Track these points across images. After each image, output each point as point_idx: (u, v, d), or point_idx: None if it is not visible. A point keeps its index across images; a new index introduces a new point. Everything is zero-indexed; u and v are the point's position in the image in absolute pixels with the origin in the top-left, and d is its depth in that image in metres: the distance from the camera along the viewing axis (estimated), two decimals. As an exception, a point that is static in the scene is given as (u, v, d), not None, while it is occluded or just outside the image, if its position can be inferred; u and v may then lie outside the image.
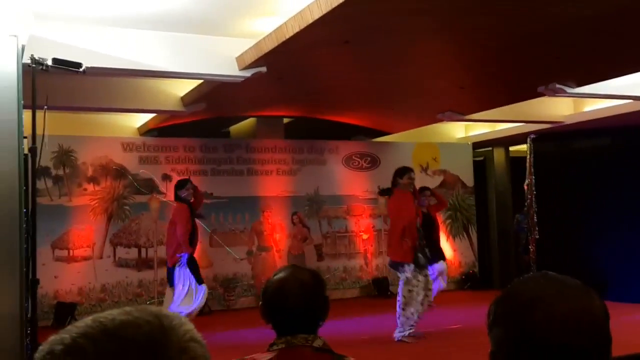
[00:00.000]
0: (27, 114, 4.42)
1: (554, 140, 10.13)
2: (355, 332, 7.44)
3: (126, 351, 0.65)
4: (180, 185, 7.36)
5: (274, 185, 10.02)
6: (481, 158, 11.95)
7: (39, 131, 4.33)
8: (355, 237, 10.56)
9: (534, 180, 8.62)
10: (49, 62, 4.52)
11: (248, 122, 10.63)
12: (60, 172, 8.81)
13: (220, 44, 6.14)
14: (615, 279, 9.19)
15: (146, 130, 9.48)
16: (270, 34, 5.47)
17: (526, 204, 8.84)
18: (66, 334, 0.68)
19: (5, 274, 4.12)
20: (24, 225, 4.27)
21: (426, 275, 6.80)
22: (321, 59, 6.31)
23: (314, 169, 10.29)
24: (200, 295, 7.09)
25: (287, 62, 6.17)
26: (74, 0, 5.24)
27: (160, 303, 8.67)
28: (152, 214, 9.07)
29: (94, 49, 5.64)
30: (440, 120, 9.48)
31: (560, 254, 9.83)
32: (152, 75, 6.49)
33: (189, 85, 7.46)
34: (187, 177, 7.93)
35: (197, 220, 7.48)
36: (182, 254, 6.97)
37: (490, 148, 11.78)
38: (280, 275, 1.95)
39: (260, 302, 1.96)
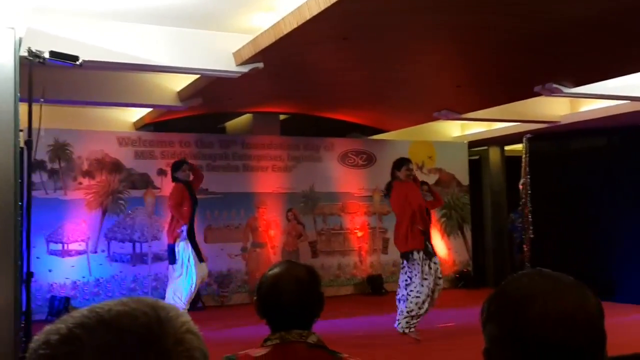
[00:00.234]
0: (23, 107, 4.41)
1: (549, 140, 10.15)
2: (349, 329, 7.45)
3: (122, 342, 0.65)
4: (176, 166, 7.54)
5: (269, 181, 10.02)
6: (477, 157, 11.97)
7: (35, 124, 4.32)
8: (350, 235, 10.57)
9: (529, 180, 8.64)
10: (46, 55, 4.51)
11: (244, 118, 10.62)
12: (56, 165, 8.79)
13: (217, 39, 6.13)
14: (610, 278, 9.23)
15: (142, 125, 9.46)
16: (268, 29, 5.47)
17: (521, 203, 8.86)
18: (62, 323, 0.68)
19: (-1, 267, 4.11)
20: (19, 219, 4.26)
21: (436, 263, 6.68)
22: (318, 56, 6.31)
23: (309, 166, 10.29)
24: (196, 276, 7.11)
25: (284, 59, 6.16)
26: (71, -7, 5.23)
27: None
28: (147, 209, 9.06)
29: (91, 42, 5.62)
30: (437, 119, 9.49)
31: (555, 253, 9.86)
32: (148, 69, 6.48)
33: (185, 80, 7.45)
34: (183, 158, 8.06)
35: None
36: (181, 227, 7.10)
37: (485, 147, 11.80)
38: (275, 270, 1.95)
39: (255, 298, 1.96)
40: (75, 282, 8.71)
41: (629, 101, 8.26)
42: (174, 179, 7.49)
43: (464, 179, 11.47)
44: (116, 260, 9.00)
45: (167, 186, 8.94)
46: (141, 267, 9.03)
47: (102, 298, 8.64)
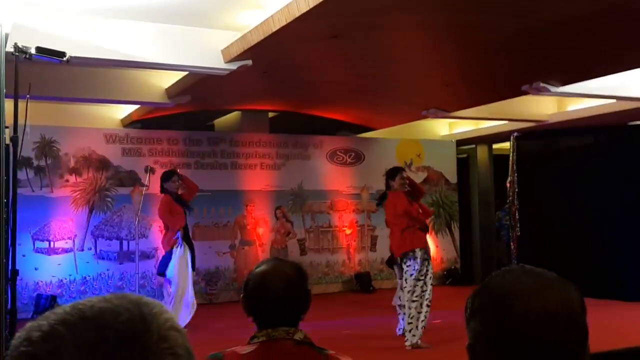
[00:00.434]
0: (9, 103, 4.37)
1: (537, 138, 10.20)
2: (337, 326, 7.46)
3: (105, 339, 0.65)
4: (166, 177, 7.39)
5: (257, 179, 10.00)
6: (465, 155, 12.02)
7: (20, 121, 4.28)
8: (338, 232, 10.58)
9: (516, 178, 8.69)
10: (33, 51, 4.47)
11: (233, 116, 10.60)
12: (42, 162, 8.72)
13: (206, 36, 6.11)
14: (596, 275, 9.29)
15: (130, 122, 9.41)
16: (257, 27, 5.45)
17: (508, 201, 8.92)
18: (44, 320, 0.67)
19: (-16, 265, 4.08)
20: (4, 216, 4.23)
21: (430, 265, 6.39)
22: (307, 54, 6.31)
23: (298, 164, 10.29)
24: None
25: (273, 56, 6.15)
26: (58, -11, 5.20)
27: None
28: (134, 207, 9.01)
29: (79, 38, 5.59)
30: (425, 117, 9.51)
31: (541, 250, 9.91)
32: (136, 66, 6.45)
33: (173, 77, 7.42)
34: (174, 169, 7.96)
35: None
36: (177, 234, 7.05)
37: (473, 145, 11.85)
38: (263, 267, 1.95)
39: (242, 295, 1.96)
40: (61, 280, 8.66)
41: (615, 100, 8.32)
42: (162, 190, 7.35)
43: (452, 177, 11.51)
44: (103, 258, 8.95)
45: (154, 184, 8.90)
46: (128, 264, 8.99)
47: (89, 296, 8.54)
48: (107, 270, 8.95)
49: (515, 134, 8.81)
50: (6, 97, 4.38)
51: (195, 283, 9.00)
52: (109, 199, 9.06)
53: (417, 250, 6.29)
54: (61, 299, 8.44)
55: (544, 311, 1.00)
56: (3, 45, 4.49)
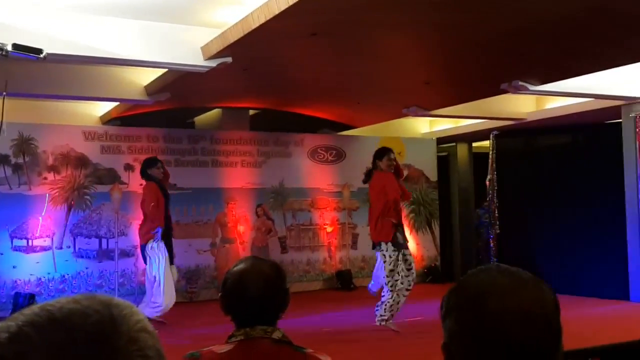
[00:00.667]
0: (-16, 100, 4.32)
1: (516, 136, 10.29)
2: (318, 324, 7.47)
3: (73, 340, 0.64)
4: (150, 163, 7.41)
5: (238, 177, 9.97)
6: (445, 153, 12.09)
7: (-4, 118, 4.23)
8: (319, 230, 10.58)
9: (496, 176, 8.77)
10: (9, 48, 4.42)
11: (213, 113, 10.55)
12: (20, 160, 8.62)
13: (185, 32, 6.07)
14: (574, 273, 9.40)
15: (109, 119, 9.33)
16: (236, 24, 5.43)
17: (488, 199, 8.99)
18: (12, 321, 0.66)
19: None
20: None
21: (405, 255, 6.62)
22: (287, 51, 6.29)
23: (279, 162, 10.27)
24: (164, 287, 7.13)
25: (253, 53, 6.13)
26: (35, -16, 5.13)
27: (121, 295, 8.58)
28: (113, 204, 8.93)
29: (56, 35, 5.52)
30: (406, 115, 9.55)
31: (520, 248, 10.01)
32: (114, 63, 6.38)
33: (152, 74, 7.36)
34: (155, 156, 7.96)
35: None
36: (157, 229, 7.04)
37: (453, 144, 11.92)
38: (241, 266, 1.94)
39: (220, 294, 1.95)
40: (40, 279, 8.56)
41: (593, 99, 8.42)
42: (146, 177, 7.34)
43: (433, 175, 11.57)
44: (82, 257, 8.87)
45: (134, 181, 8.85)
46: (108, 263, 8.92)
47: (67, 294, 8.49)
48: (87, 268, 8.87)
49: (495, 132, 8.88)
50: (-18, 94, 4.33)
51: (176, 281, 8.99)
52: (87, 197, 8.97)
53: (383, 244, 6.57)
54: (40, 297, 8.35)
55: (519, 310, 1.01)
56: (-22, 41, 4.43)
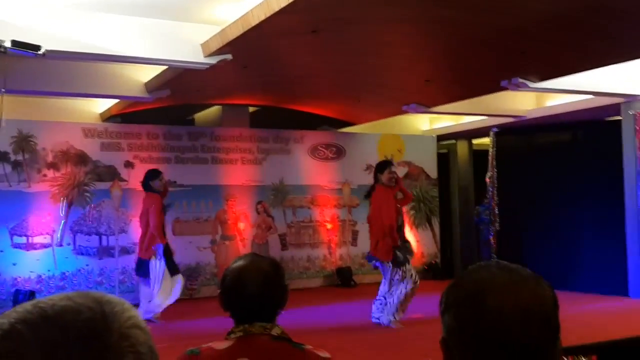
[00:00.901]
0: (-17, 97, 4.31)
1: (516, 134, 10.29)
2: (318, 321, 7.48)
3: (65, 337, 0.64)
4: (153, 175, 7.40)
5: (238, 174, 9.97)
6: (445, 150, 12.09)
7: (-4, 115, 4.23)
8: (319, 227, 10.59)
9: (496, 173, 8.76)
10: (8, 44, 4.42)
11: (213, 110, 10.54)
12: (20, 157, 8.62)
13: (185, 29, 6.07)
14: (574, 270, 9.41)
15: (109, 116, 9.33)
16: (236, 21, 5.43)
17: (488, 196, 8.98)
18: (4, 319, 0.66)
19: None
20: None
21: (405, 270, 6.72)
22: (287, 48, 6.29)
23: (279, 159, 10.27)
24: (178, 287, 7.21)
25: (252, 50, 6.13)
26: (35, -19, 5.12)
27: (122, 292, 8.59)
28: (113, 202, 8.94)
29: (55, 32, 5.51)
30: (406, 112, 9.54)
31: (520, 245, 10.01)
32: (114, 60, 6.38)
33: (152, 71, 7.36)
34: (157, 168, 7.93)
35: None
36: (157, 245, 7.04)
37: (454, 141, 11.92)
38: (239, 263, 1.95)
39: (219, 290, 1.95)
40: (40, 276, 8.57)
41: (592, 96, 8.41)
42: (148, 188, 7.34)
43: (433, 172, 11.57)
44: (82, 254, 8.87)
45: (134, 179, 8.84)
46: (108, 260, 8.92)
47: (68, 292, 8.51)
48: (87, 265, 8.87)
49: (495, 129, 8.87)
50: (-19, 91, 4.33)
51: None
52: (87, 194, 8.97)
53: (385, 263, 6.73)
54: (40, 294, 8.35)
55: (517, 307, 1.01)
56: (-22, 38, 4.43)
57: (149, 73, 7.49)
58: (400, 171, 10.97)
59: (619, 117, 8.82)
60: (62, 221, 8.68)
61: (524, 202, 10.17)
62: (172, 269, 7.31)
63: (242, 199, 9.98)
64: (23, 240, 8.55)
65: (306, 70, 7.43)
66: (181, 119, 10.48)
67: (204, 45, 6.02)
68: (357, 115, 10.54)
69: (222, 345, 1.81)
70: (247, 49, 5.94)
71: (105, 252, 8.97)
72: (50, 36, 5.39)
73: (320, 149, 10.66)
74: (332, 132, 10.97)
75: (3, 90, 4.33)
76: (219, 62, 6.05)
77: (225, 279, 1.93)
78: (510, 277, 1.05)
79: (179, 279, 7.41)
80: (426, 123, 11.66)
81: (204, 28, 5.98)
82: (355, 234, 10.76)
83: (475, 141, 11.93)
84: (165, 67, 6.87)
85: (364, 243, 10.05)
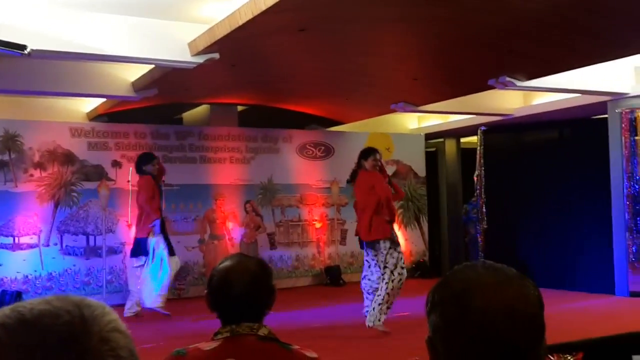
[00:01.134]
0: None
1: (503, 132, 10.33)
2: (307, 320, 7.48)
3: (43, 342, 0.64)
4: (146, 159, 7.52)
5: (227, 173, 9.95)
6: (433, 149, 12.12)
7: (-20, 114, 4.19)
8: (308, 226, 10.58)
9: (483, 172, 8.80)
10: (-8, 43, 4.37)
11: (201, 109, 10.51)
12: (6, 157, 8.55)
13: (172, 28, 6.04)
14: (562, 268, 9.47)
15: (96, 116, 9.27)
16: (223, 20, 5.41)
17: (476, 194, 9.03)
18: None
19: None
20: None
21: (399, 252, 6.51)
22: (275, 47, 6.28)
23: (267, 158, 10.26)
24: (170, 268, 7.25)
25: (240, 49, 6.11)
26: (20, -21, 5.08)
27: (109, 293, 8.55)
28: (100, 201, 8.89)
29: (41, 30, 5.47)
30: (394, 111, 9.56)
31: (507, 243, 10.06)
32: (101, 59, 6.34)
33: (139, 70, 7.32)
34: (151, 152, 8.01)
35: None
36: (154, 221, 7.13)
37: (442, 139, 11.95)
38: (226, 263, 1.94)
39: (206, 291, 1.95)
40: (27, 277, 8.50)
41: (579, 94, 8.47)
42: (141, 172, 7.44)
43: (421, 171, 11.60)
44: (69, 254, 8.82)
45: (121, 178, 8.80)
46: (95, 260, 8.87)
47: (55, 292, 8.46)
48: (74, 266, 8.82)
49: (482, 127, 8.91)
50: (-35, 90, 4.29)
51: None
52: (74, 194, 8.92)
53: (382, 241, 6.46)
54: (27, 295, 8.29)
55: (503, 307, 1.01)
56: (-38, 36, 4.39)
57: (136, 72, 7.45)
58: (389, 170, 10.97)
59: (605, 116, 8.88)
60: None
61: (512, 200, 10.22)
62: (170, 247, 7.41)
63: (231, 198, 9.96)
64: (9, 240, 8.49)
65: (294, 69, 7.43)
66: (169, 118, 10.44)
67: (191, 44, 5.99)
68: (345, 114, 10.54)
69: (208, 345, 1.81)
70: (234, 47, 5.93)
71: (92, 252, 8.91)
72: (36, 35, 5.35)
73: (309, 147, 10.66)
74: (321, 131, 10.97)
75: (-12, 89, 4.29)
76: (206, 61, 6.03)
77: (212, 279, 1.93)
78: (495, 277, 1.06)
79: (177, 259, 7.55)
80: (414, 122, 11.69)
81: (192, 27, 5.95)
82: (344, 233, 10.76)
83: (463, 139, 11.97)
84: (152, 66, 6.84)
85: (353, 242, 10.04)
